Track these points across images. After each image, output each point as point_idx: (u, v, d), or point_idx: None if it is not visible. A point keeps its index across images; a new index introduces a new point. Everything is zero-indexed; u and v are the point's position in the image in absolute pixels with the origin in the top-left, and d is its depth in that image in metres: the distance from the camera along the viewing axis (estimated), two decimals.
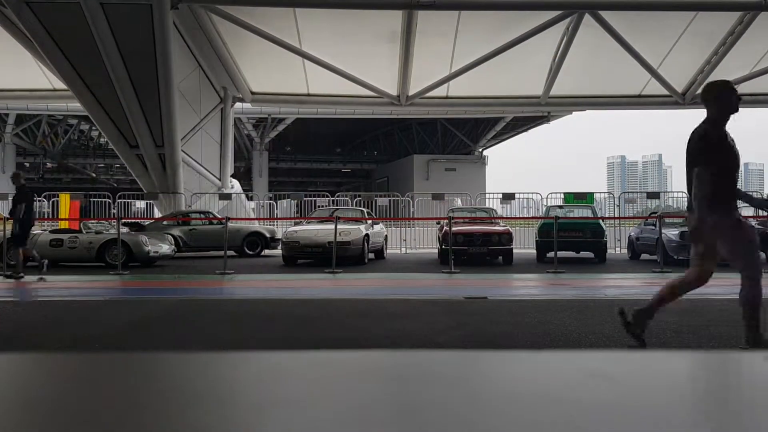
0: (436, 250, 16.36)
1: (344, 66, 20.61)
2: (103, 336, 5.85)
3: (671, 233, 13.76)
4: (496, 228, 14.87)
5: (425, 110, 30.32)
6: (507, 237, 14.29)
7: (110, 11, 17.14)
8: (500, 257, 14.53)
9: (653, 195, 26.11)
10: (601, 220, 16.11)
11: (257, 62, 21.51)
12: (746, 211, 17.51)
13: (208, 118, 22.01)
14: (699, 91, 21.38)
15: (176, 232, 17.37)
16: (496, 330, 5.98)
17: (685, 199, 23.51)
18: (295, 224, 16.60)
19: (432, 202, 23.71)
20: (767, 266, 5.40)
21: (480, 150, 50.09)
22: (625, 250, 18.08)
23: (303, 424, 0.68)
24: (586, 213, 16.74)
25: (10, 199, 12.58)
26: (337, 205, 21.10)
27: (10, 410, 0.76)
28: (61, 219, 21.74)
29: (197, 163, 21.57)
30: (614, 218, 21.32)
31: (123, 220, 14.33)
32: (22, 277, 11.08)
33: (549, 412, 0.73)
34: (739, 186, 4.74)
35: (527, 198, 23.43)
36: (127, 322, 6.71)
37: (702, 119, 4.66)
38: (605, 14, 18.65)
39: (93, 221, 16.98)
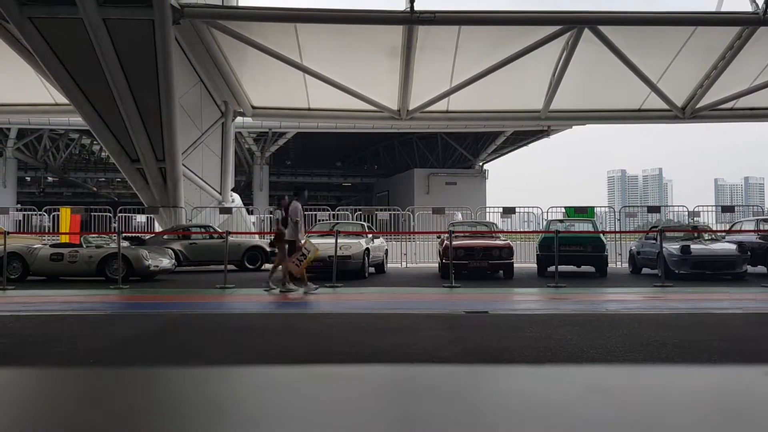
0: (437, 264, 16.33)
1: (345, 80, 20.68)
2: (102, 350, 5.83)
3: (672, 247, 13.75)
4: (497, 242, 14.85)
5: (426, 124, 30.38)
6: (508, 251, 14.28)
7: (112, 26, 17.24)
8: (501, 271, 14.51)
9: (654, 209, 26.10)
10: (601, 235, 16.10)
11: (258, 77, 21.60)
12: (747, 224, 17.50)
13: (209, 132, 22.06)
14: (698, 105, 21.44)
15: (177, 246, 17.37)
16: (496, 345, 5.96)
17: (686, 213, 23.48)
18: None
19: (432, 216, 23.71)
20: None
21: (480, 164, 50.14)
22: (626, 264, 18.06)
23: None
24: (587, 227, 16.74)
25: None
26: (337, 219, 21.10)
27: (7, 424, 0.76)
28: (62, 233, 21.74)
29: (198, 177, 21.60)
30: (615, 232, 21.31)
31: (123, 234, 14.32)
32: None
33: (550, 426, 0.73)
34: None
35: (528, 212, 23.41)
36: (126, 336, 6.69)
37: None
38: (605, 29, 18.74)
39: (93, 235, 16.98)
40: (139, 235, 19.48)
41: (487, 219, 22.45)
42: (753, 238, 15.18)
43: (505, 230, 20.66)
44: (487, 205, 33.51)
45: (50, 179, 53.76)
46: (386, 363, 4.97)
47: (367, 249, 14.41)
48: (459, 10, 19.09)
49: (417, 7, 17.63)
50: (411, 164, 51.21)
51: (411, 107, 22.05)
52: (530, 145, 46.50)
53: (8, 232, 15.07)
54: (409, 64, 19.63)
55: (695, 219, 21.42)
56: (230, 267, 14.35)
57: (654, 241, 14.46)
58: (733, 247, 13.93)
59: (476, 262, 14.08)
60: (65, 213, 23.42)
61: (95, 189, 55.29)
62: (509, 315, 8.39)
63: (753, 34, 18.65)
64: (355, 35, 19.03)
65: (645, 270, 15.78)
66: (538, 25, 18.70)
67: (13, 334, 6.88)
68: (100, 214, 24.15)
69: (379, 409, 0.80)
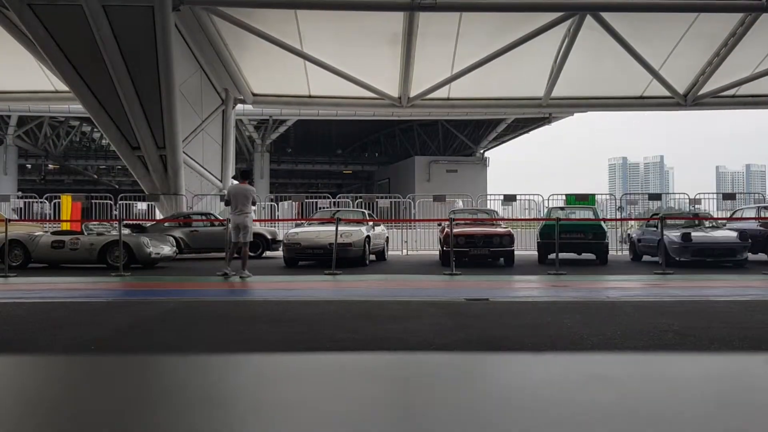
0: (438, 252, 16.35)
1: (346, 68, 20.61)
2: (103, 338, 5.85)
3: (673, 234, 13.75)
4: (498, 230, 14.85)
5: (427, 112, 30.31)
6: (508, 239, 14.28)
7: (112, 13, 17.16)
8: (501, 259, 14.53)
9: (655, 196, 26.07)
10: (602, 222, 16.10)
11: (259, 64, 21.53)
12: (749, 212, 17.49)
13: (210, 119, 22.01)
14: (700, 92, 21.36)
15: (178, 233, 17.38)
16: (497, 332, 5.97)
17: (687, 200, 23.49)
18: (297, 226, 16.60)
19: (433, 204, 23.70)
20: None
21: (481, 151, 50.04)
22: (626, 252, 18.06)
23: (303, 427, 0.68)
24: (588, 214, 16.74)
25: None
26: (338, 207, 21.09)
27: (8, 412, 0.76)
28: (63, 220, 21.75)
29: (198, 164, 21.57)
30: (616, 220, 21.31)
31: (124, 222, 14.33)
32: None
33: (550, 414, 0.73)
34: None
35: (528, 199, 23.40)
36: (127, 323, 6.71)
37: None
38: (607, 16, 18.64)
39: (94, 223, 16.99)
40: (140, 222, 19.50)
41: (488, 206, 22.45)
42: (754, 225, 15.18)
43: (506, 218, 20.66)
44: (487, 193, 33.48)
45: (51, 167, 53.73)
46: (386, 351, 4.99)
47: (368, 236, 14.41)
48: None
49: None
50: (412, 152, 51.12)
51: (412, 94, 21.99)
52: (531, 132, 46.40)
53: (9, 220, 15.08)
54: (410, 51, 19.55)
55: (696, 206, 21.40)
56: None
57: (655, 229, 14.46)
58: (734, 234, 13.93)
59: (477, 250, 14.09)
60: (66, 200, 23.44)
61: (96, 176, 55.26)
62: (510, 302, 8.40)
63: (756, 21, 18.56)
64: (356, 22, 18.94)
65: (646, 257, 15.79)
66: (539, 11, 18.61)
67: (14, 322, 6.90)
68: (101, 201, 24.16)
69: (378, 397, 0.80)
